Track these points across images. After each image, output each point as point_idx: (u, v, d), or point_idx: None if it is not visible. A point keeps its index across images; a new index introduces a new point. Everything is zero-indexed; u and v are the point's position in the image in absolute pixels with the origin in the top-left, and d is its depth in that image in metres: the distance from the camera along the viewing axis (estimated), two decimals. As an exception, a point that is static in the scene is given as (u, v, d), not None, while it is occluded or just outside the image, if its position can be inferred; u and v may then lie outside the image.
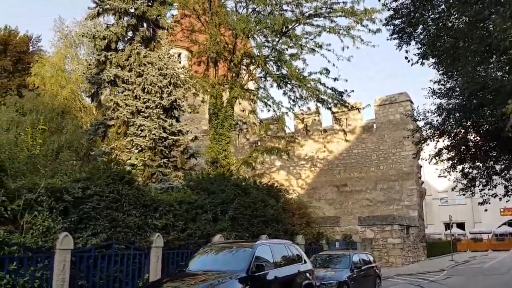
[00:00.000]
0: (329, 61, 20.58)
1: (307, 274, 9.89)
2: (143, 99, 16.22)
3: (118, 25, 20.46)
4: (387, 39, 11.68)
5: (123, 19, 20.49)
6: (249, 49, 21.92)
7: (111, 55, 19.99)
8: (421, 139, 15.95)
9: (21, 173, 9.52)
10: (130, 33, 21.26)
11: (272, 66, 22.15)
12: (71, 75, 26.42)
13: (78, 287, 9.34)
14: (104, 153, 17.12)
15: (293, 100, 22.77)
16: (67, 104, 24.48)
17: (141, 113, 16.14)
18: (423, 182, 31.55)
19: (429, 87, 15.41)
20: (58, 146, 19.33)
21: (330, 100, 21.87)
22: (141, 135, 15.39)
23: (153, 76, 16.03)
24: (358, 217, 25.91)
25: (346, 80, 20.64)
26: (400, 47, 11.56)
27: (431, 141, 15.34)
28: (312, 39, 21.34)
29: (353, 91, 20.74)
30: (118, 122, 18.21)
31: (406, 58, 11.43)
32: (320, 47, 21.31)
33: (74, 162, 15.06)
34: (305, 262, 10.14)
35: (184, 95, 16.95)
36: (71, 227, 9.39)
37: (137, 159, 14.95)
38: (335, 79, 20.51)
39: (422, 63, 11.53)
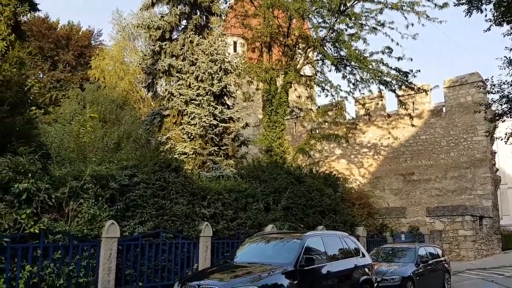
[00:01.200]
0: (392, 40, 18.96)
1: (366, 269, 8.98)
2: (195, 86, 15.91)
3: (171, 14, 20.44)
4: (454, 5, 10.32)
5: (177, 7, 20.41)
6: (305, 30, 20.91)
7: (165, 44, 20.02)
8: (496, 114, 14.13)
9: (68, 161, 9.43)
10: (183, 22, 21.20)
11: (329, 48, 21.02)
12: (129, 67, 26.97)
13: (125, 277, 9.13)
14: (160, 143, 17.13)
15: (353, 84, 21.60)
16: (126, 96, 24.97)
17: (193, 101, 15.85)
18: (497, 170, 28.89)
19: (505, 57, 13.58)
20: (117, 137, 19.67)
21: (394, 82, 20.43)
22: (191, 123, 15.09)
23: (203, 62, 15.63)
24: (426, 208, 24.16)
25: (411, 59, 19.05)
26: (469, 13, 10.13)
27: (508, 117, 13.51)
28: (373, 17, 20.03)
29: (419, 70, 19.15)
30: (173, 111, 18.17)
31: (478, 8, 9.84)
32: (382, 25, 19.95)
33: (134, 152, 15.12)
34: (363, 255, 9.22)
35: (236, 81, 16.42)
36: (117, 215, 9.17)
37: (187, 147, 14.65)
38: (399, 58, 19.08)
39: (500, 23, 9.96)
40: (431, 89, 22.71)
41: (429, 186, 26.30)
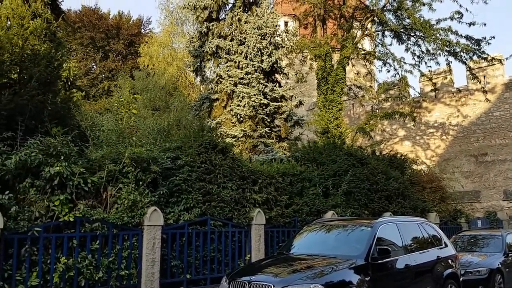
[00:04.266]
0: (461, 6, 16.90)
1: (449, 261, 7.50)
2: (243, 64, 14.78)
3: (219, -9, 19.49)
4: None
5: (224, -17, 19.40)
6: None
7: (212, 25, 19.15)
8: None
9: (106, 143, 8.67)
10: (231, 0, 20.21)
11: (389, 20, 19.06)
12: (177, 52, 26.39)
13: (170, 268, 8.28)
14: (210, 129, 16.32)
15: (418, 57, 19.54)
16: (176, 82, 24.42)
17: (242, 80, 14.74)
18: None
19: None
20: (168, 125, 19.14)
21: (464, 53, 18.20)
22: (241, 104, 13.98)
23: (252, 37, 14.43)
24: (504, 191, 21.72)
25: (485, 24, 16.73)
26: None
27: None
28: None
29: (493, 37, 16.83)
30: (222, 95, 17.26)
31: None
32: (449, -11, 17.75)
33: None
34: (446, 245, 7.72)
35: (287, 56, 15.05)
36: (160, 201, 8.31)
37: (237, 130, 13.59)
38: (470, 24, 16.86)
39: None
40: (506, 59, 20.08)
41: (504, 168, 23.63)
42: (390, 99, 22.08)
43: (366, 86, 22.26)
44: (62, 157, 7.16)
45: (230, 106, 15.88)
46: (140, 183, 8.05)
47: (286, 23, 30.84)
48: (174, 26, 27.35)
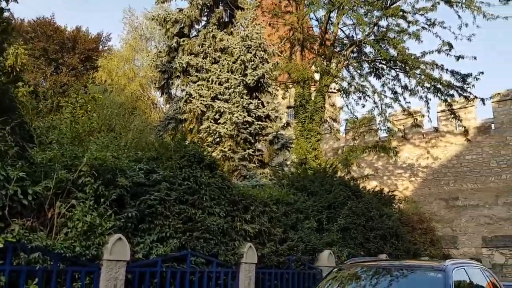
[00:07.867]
0: (443, 41, 16.53)
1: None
2: (223, 79, 13.04)
3: (192, 5, 18.02)
4: None
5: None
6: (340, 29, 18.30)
7: (183, 41, 17.53)
8: None
9: (59, 144, 6.49)
10: (204, 18, 18.80)
11: (378, 47, 18.26)
12: (140, 69, 24.32)
13: (135, 320, 6.04)
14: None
15: (395, 93, 18.93)
16: (135, 100, 22.18)
17: (220, 96, 12.97)
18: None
19: None
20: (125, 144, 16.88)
21: (446, 89, 17.61)
22: (219, 121, 12.12)
23: (235, 47, 12.82)
24: (483, 237, 20.92)
25: (475, 58, 16.14)
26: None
27: None
28: (422, 14, 17.36)
29: (482, 72, 16.26)
30: (191, 115, 15.45)
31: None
32: (433, 24, 17.27)
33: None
34: (503, 295, 6.11)
35: (272, 71, 13.50)
36: (127, 227, 6.16)
37: (216, 150, 11.63)
38: (458, 58, 16.23)
39: None
40: (488, 98, 19.42)
41: (476, 213, 22.99)
42: (362, 134, 21.15)
43: (340, 120, 21.24)
44: (-6, 155, 4.98)
45: (199, 132, 14.03)
46: (101, 200, 5.90)
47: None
48: (137, 41, 25.38)
